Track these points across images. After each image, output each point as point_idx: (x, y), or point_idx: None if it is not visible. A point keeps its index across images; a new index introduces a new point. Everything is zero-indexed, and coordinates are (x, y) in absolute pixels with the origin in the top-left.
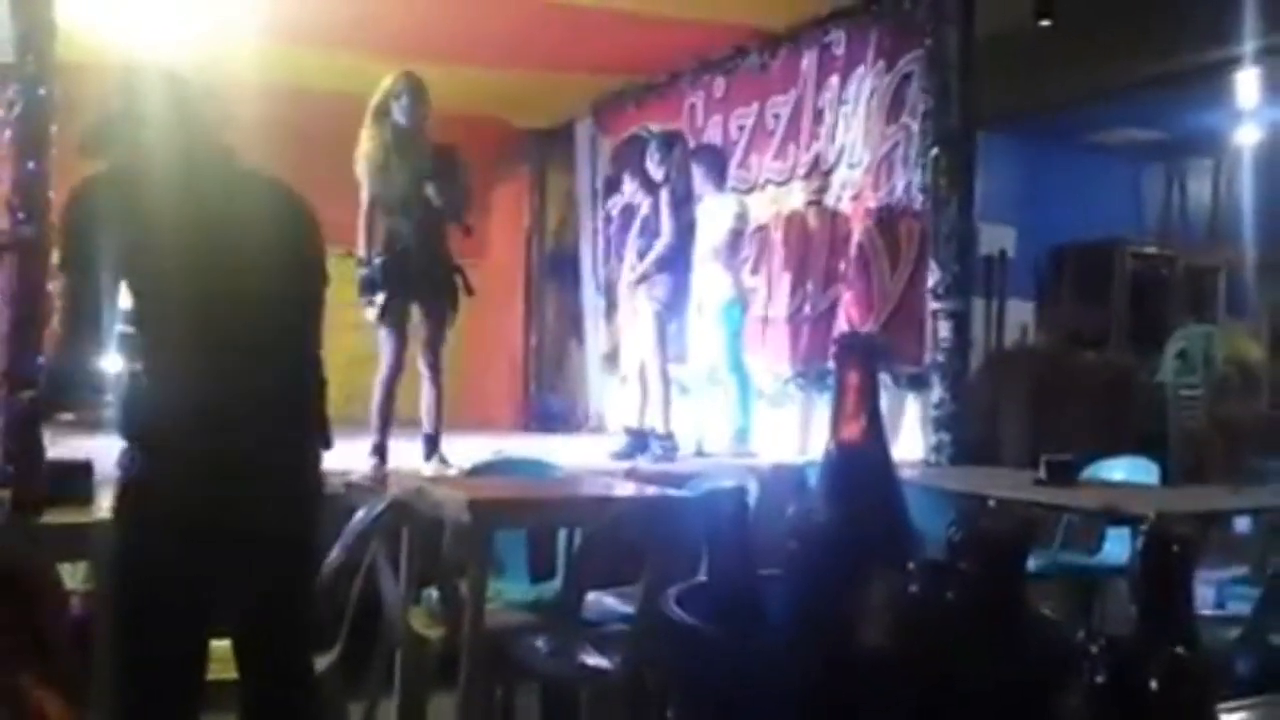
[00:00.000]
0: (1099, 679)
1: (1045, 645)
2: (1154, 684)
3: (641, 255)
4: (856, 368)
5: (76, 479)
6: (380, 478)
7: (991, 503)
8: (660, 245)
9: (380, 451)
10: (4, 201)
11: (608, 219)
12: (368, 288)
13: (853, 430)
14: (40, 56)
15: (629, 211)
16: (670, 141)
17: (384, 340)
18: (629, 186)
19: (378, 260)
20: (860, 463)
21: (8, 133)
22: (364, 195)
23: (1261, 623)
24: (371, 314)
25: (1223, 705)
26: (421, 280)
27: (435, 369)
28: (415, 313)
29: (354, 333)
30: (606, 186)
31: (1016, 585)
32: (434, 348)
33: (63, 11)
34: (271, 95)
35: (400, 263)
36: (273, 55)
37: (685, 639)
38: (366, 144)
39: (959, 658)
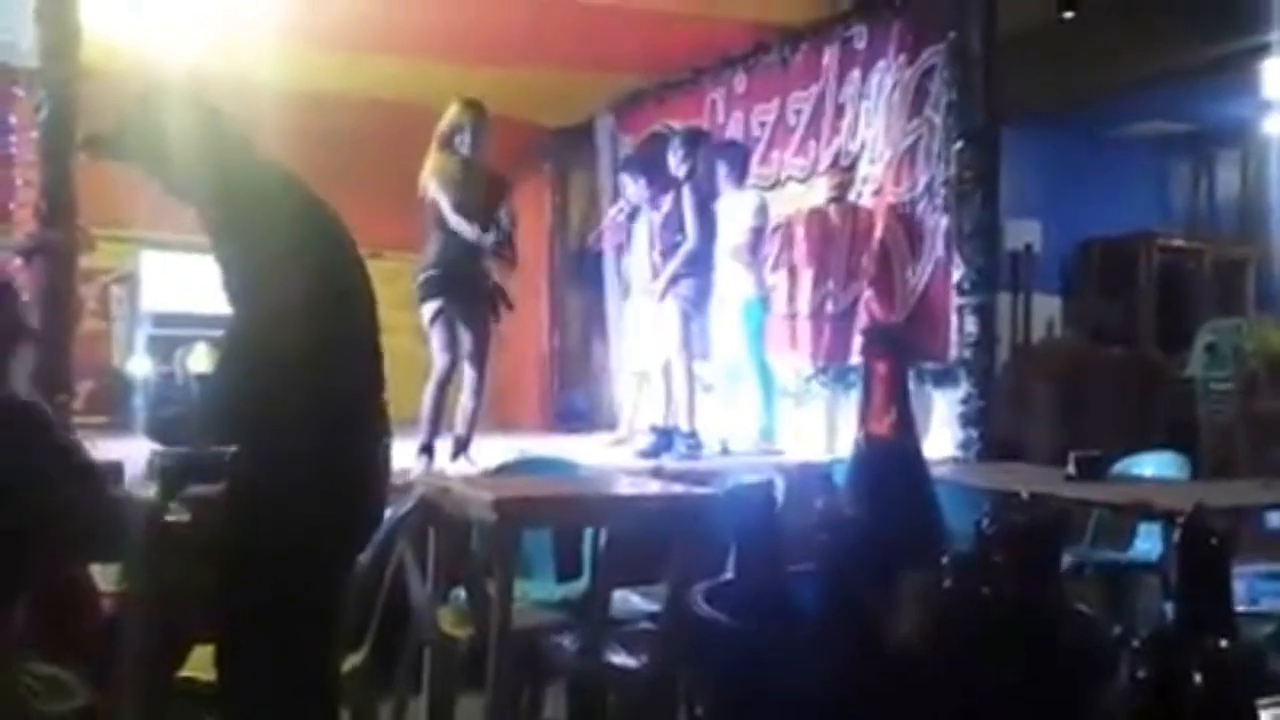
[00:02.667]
0: (1140, 673)
1: (1081, 639)
2: (1198, 678)
3: (664, 252)
4: (884, 359)
5: None
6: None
7: (1025, 495)
8: (688, 246)
9: (429, 450)
10: (32, 205)
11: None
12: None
13: (882, 424)
14: (66, 62)
15: (635, 210)
16: (694, 139)
17: (436, 347)
18: (632, 188)
19: (426, 274)
20: (890, 456)
21: (34, 136)
22: (430, 213)
23: None
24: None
25: (1270, 699)
26: (466, 294)
27: (479, 380)
28: (460, 325)
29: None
30: (612, 198)
31: (1051, 578)
32: (478, 360)
33: (87, 18)
34: (292, 98)
35: (448, 276)
36: (293, 58)
37: (714, 635)
38: (430, 168)
39: (994, 652)
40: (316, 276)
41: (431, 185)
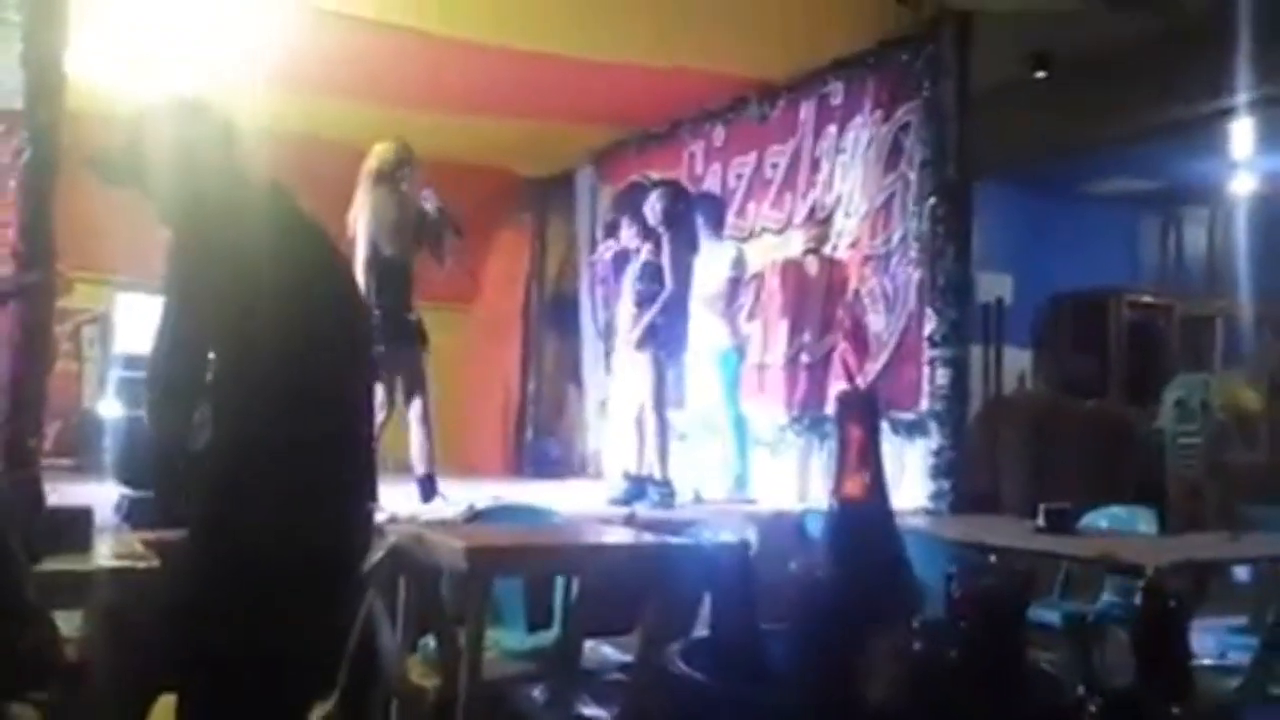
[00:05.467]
0: None
1: (1045, 700)
2: None
3: (640, 301)
4: (858, 424)
5: (76, 526)
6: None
7: (992, 557)
8: (664, 295)
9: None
10: (10, 248)
11: (595, 264)
12: None
13: (855, 486)
14: (50, 105)
15: (622, 257)
16: (673, 191)
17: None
18: (626, 232)
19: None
20: (863, 519)
21: (13, 181)
22: (362, 252)
23: (1261, 672)
24: None
25: None
26: (398, 335)
27: (425, 413)
28: (396, 369)
29: None
30: (606, 233)
31: (1015, 642)
32: (420, 394)
33: (72, 62)
34: (277, 143)
35: (385, 315)
36: (276, 103)
37: (691, 694)
38: (372, 206)
39: (961, 711)
40: (291, 319)
41: (360, 226)
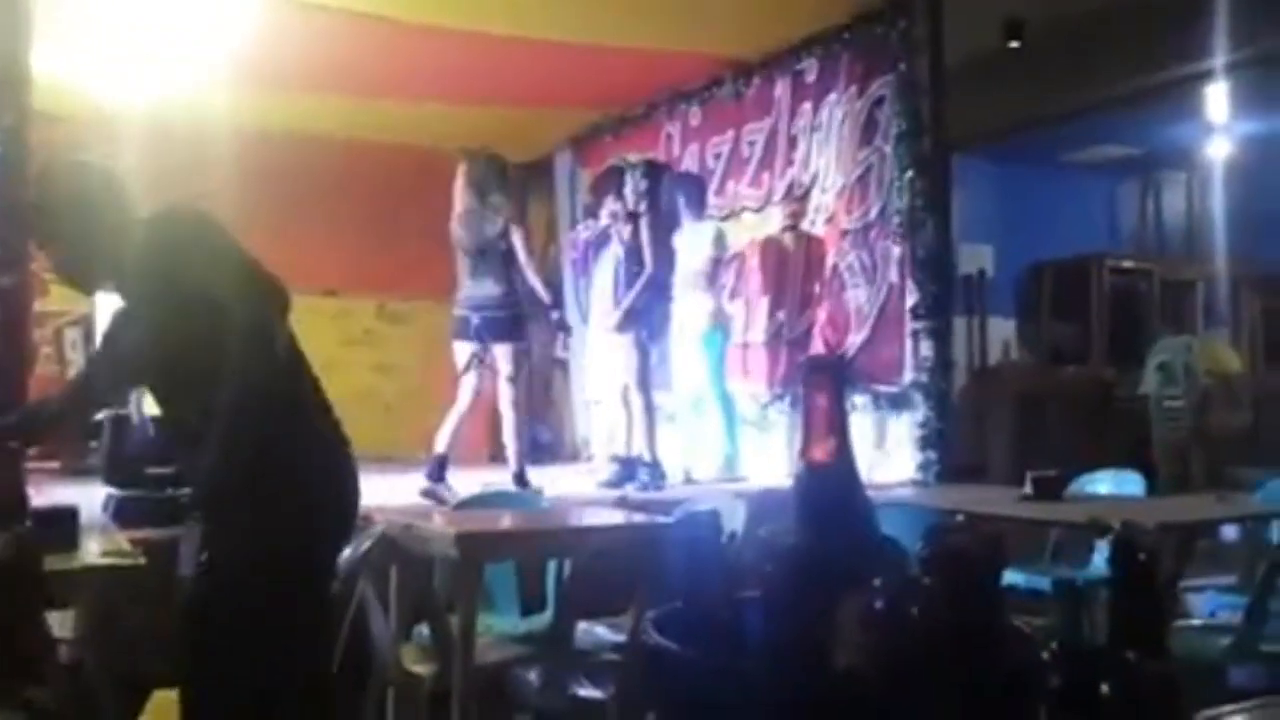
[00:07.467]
0: (1056, 686)
1: (1015, 657)
2: (1105, 689)
3: (623, 282)
4: (823, 390)
5: (62, 526)
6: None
7: (960, 517)
8: (645, 276)
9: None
10: None
11: (574, 244)
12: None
13: (821, 451)
14: (17, 107)
15: (603, 237)
16: (653, 170)
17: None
18: (606, 211)
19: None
20: (829, 482)
21: None
22: (520, 252)
23: (1251, 631)
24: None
25: (1214, 711)
26: (508, 328)
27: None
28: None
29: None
30: (585, 215)
31: (984, 599)
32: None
33: (38, 62)
34: (248, 137)
35: (497, 313)
36: (249, 98)
37: (661, 662)
38: (507, 209)
39: (927, 672)
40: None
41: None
